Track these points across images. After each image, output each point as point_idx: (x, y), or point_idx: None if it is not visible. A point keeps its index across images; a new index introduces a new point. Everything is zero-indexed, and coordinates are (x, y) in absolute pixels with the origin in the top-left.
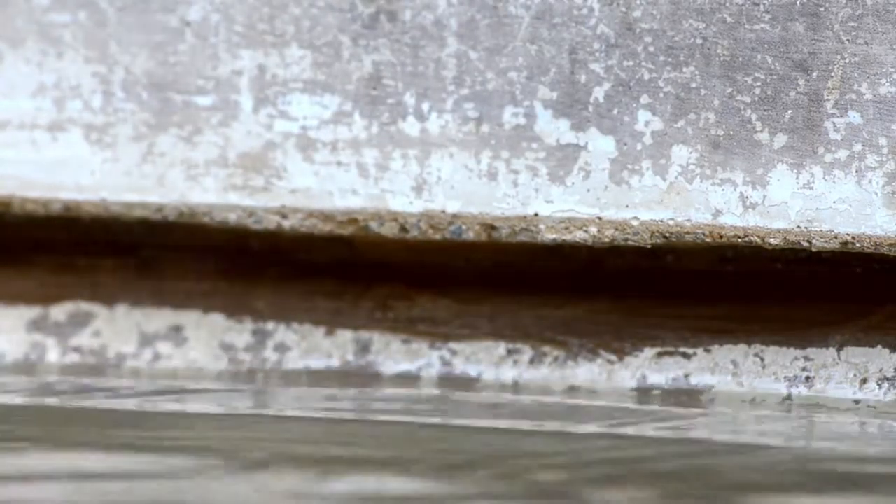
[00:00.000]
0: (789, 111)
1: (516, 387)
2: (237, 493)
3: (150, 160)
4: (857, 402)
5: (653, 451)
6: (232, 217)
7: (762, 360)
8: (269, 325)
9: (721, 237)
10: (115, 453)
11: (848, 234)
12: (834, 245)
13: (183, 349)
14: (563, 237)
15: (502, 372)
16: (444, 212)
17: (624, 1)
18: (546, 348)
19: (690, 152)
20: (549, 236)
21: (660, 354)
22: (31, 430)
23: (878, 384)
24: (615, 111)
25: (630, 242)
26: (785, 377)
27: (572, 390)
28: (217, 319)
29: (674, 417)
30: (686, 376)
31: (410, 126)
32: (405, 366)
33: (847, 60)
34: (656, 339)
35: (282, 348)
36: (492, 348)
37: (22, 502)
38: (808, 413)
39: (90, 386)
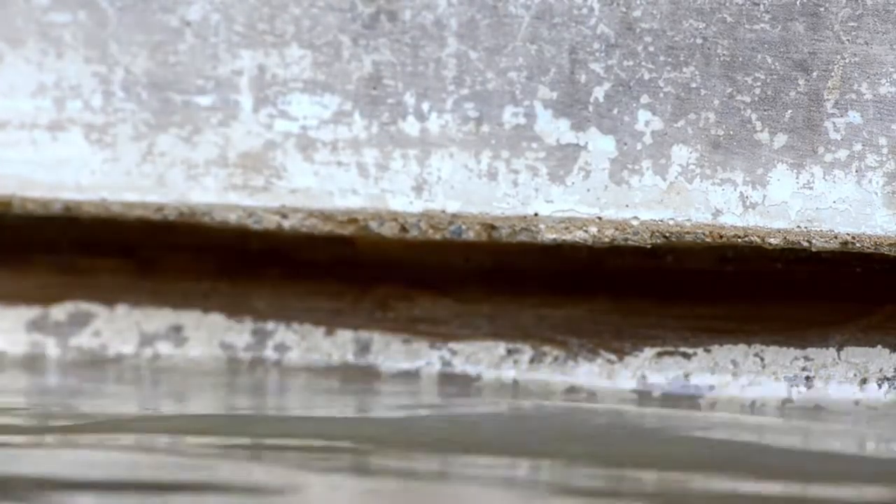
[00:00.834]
0: (789, 111)
1: (516, 387)
2: None
3: (150, 160)
4: (856, 402)
5: None
6: (232, 217)
7: (762, 359)
8: (269, 325)
9: (721, 237)
10: None
11: (848, 234)
12: (834, 245)
13: (183, 349)
14: (563, 237)
15: (502, 372)
16: (444, 212)
17: (624, 1)
18: (546, 348)
19: (690, 152)
20: (549, 236)
21: (660, 354)
22: None
23: (879, 384)
24: (615, 111)
25: (630, 242)
26: (785, 377)
27: (572, 390)
28: (217, 319)
29: None
30: (686, 376)
31: (410, 126)
32: (405, 366)
33: (847, 60)
34: (656, 339)
35: (282, 348)
36: (492, 348)
37: None
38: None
39: None
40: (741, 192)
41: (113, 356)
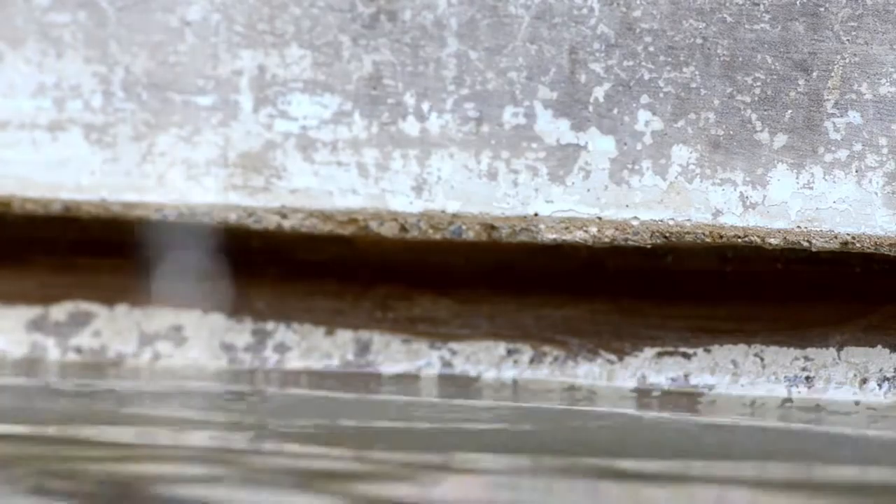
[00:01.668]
0: (789, 111)
1: (516, 387)
2: None
3: (150, 160)
4: (857, 402)
5: None
6: (232, 217)
7: (762, 360)
8: (269, 325)
9: (721, 237)
10: None
11: (848, 234)
12: (834, 245)
13: (183, 349)
14: (563, 237)
15: (502, 372)
16: (444, 212)
17: (624, 1)
18: (546, 348)
19: (690, 152)
20: (549, 236)
21: (660, 354)
22: None
23: (879, 384)
24: (615, 111)
25: (630, 242)
26: (785, 377)
27: (572, 390)
28: (217, 319)
29: None
30: (686, 376)
31: (410, 126)
32: (405, 366)
33: (847, 60)
34: (656, 339)
35: (282, 348)
36: (492, 348)
37: None
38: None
39: None
40: (741, 193)
41: (113, 356)
